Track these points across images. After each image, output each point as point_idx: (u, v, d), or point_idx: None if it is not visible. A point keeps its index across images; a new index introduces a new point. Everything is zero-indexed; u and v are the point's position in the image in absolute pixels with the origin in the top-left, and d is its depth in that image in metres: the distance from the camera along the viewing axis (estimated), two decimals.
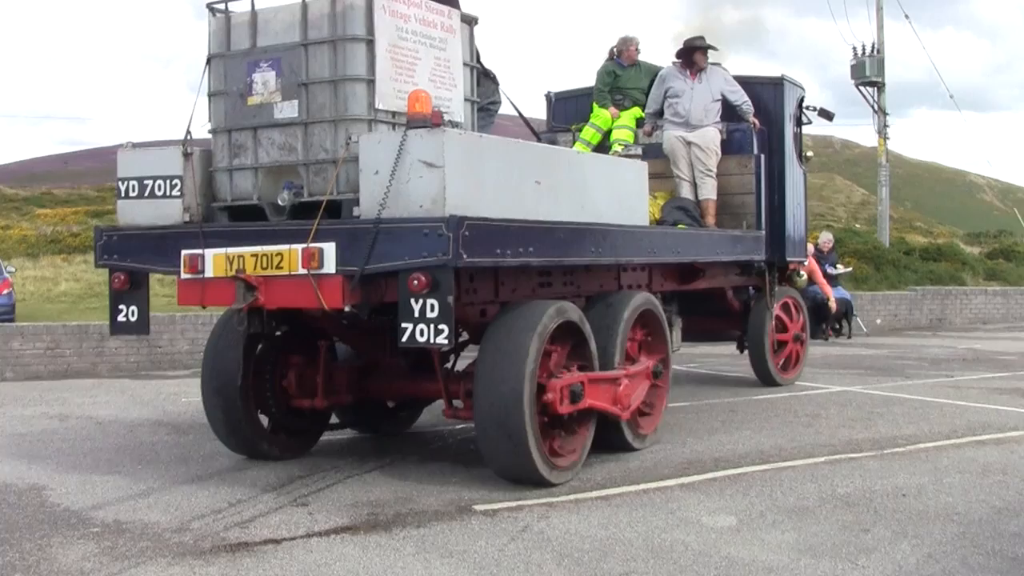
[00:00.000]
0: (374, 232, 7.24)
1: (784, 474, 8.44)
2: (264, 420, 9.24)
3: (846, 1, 33.61)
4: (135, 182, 8.45)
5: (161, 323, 16.68)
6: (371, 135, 7.51)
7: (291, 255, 7.55)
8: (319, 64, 7.78)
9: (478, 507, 7.47)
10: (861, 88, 33.09)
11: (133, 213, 8.48)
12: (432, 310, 7.15)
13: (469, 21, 8.70)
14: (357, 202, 7.49)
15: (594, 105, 12.96)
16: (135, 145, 8.67)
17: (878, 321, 24.18)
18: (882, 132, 32.12)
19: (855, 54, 32.98)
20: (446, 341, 7.13)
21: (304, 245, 7.46)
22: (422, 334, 7.19)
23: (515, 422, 7.69)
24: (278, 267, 7.63)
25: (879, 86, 32.90)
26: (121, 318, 8.56)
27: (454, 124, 8.18)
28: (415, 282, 7.10)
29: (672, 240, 10.28)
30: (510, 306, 8.19)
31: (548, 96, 14.09)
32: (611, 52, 13.17)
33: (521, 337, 7.79)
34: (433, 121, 7.19)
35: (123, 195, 8.51)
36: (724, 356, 17.23)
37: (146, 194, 8.40)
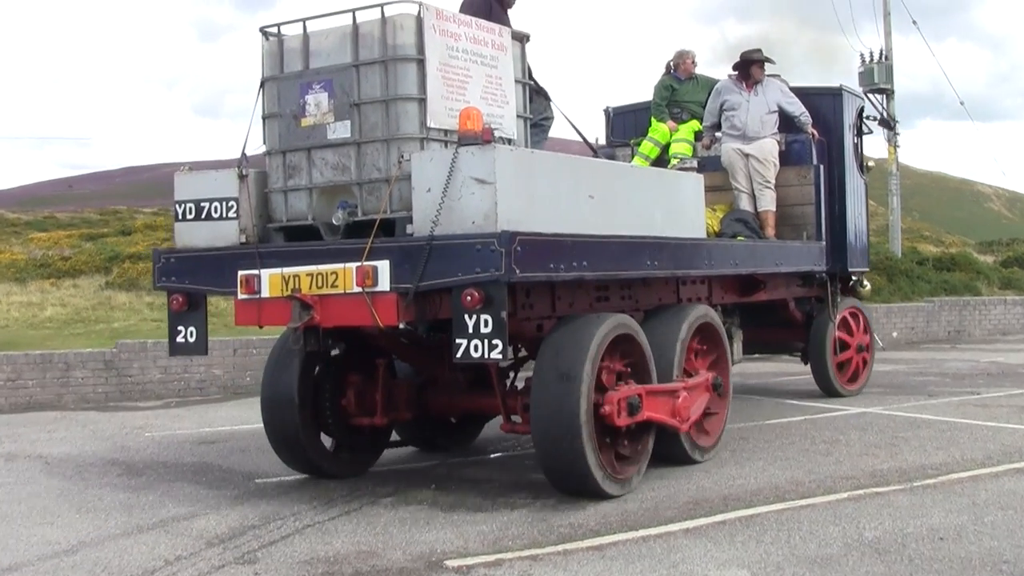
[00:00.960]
0: (427, 249, 7.28)
1: (803, 514, 7.47)
2: (325, 439, 9.30)
3: (853, 11, 32.81)
4: (192, 204, 8.56)
5: (131, 350, 15.84)
6: (423, 153, 7.56)
7: (346, 274, 7.61)
8: (370, 84, 7.84)
9: (450, 562, 6.58)
10: (870, 95, 31.68)
11: (190, 235, 8.58)
12: (486, 325, 7.17)
13: (520, 38, 8.74)
14: (410, 220, 7.54)
15: (652, 119, 12.96)
16: (191, 168, 8.77)
17: (894, 335, 23.15)
18: (892, 140, 31.16)
19: (863, 61, 31.91)
20: (500, 356, 7.15)
21: (358, 263, 7.52)
22: (476, 349, 7.22)
23: (572, 436, 7.69)
24: (333, 286, 7.69)
25: (888, 93, 31.90)
26: (180, 339, 8.67)
27: (506, 141, 8.24)
28: (468, 298, 7.14)
29: (730, 252, 10.25)
30: (565, 320, 8.21)
31: (607, 111, 14.11)
32: (668, 66, 13.18)
33: (576, 351, 7.80)
34: (484, 138, 7.23)
35: (180, 217, 8.63)
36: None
37: (203, 216, 8.50)
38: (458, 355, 7.29)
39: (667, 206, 9.09)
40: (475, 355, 7.22)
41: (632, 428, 8.38)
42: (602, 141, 13.74)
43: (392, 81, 7.77)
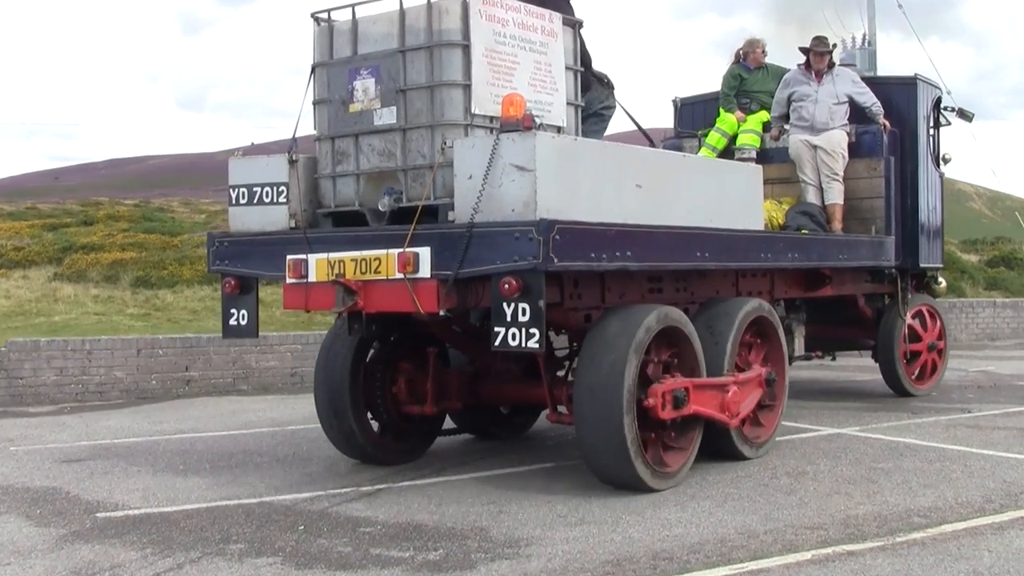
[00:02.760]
0: (467, 236, 7.26)
1: None
2: (376, 426, 9.36)
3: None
4: (244, 189, 8.64)
5: (22, 350, 14.23)
6: (465, 140, 7.53)
7: (388, 260, 7.61)
8: (416, 70, 7.84)
9: None
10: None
11: (243, 219, 8.67)
12: (524, 314, 7.13)
13: (573, 24, 8.66)
14: (452, 207, 7.51)
15: (720, 110, 12.79)
16: (245, 153, 8.84)
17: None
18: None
19: (844, 47, 30.78)
20: (537, 345, 7.10)
21: (400, 250, 7.51)
22: (514, 338, 7.18)
23: (614, 428, 7.64)
24: (376, 272, 7.70)
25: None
26: (232, 322, 8.76)
27: (555, 129, 8.19)
28: (506, 286, 7.10)
29: (789, 245, 10.05)
30: (610, 311, 8.14)
31: (675, 102, 13.95)
32: (737, 55, 13.00)
33: (619, 342, 7.73)
34: (524, 125, 7.18)
35: (234, 202, 8.72)
36: None
37: (255, 201, 8.57)
38: (496, 343, 7.27)
39: (721, 197, 8.96)
40: (512, 344, 7.19)
41: (678, 421, 8.29)
42: (671, 132, 13.61)
43: (437, 67, 7.75)
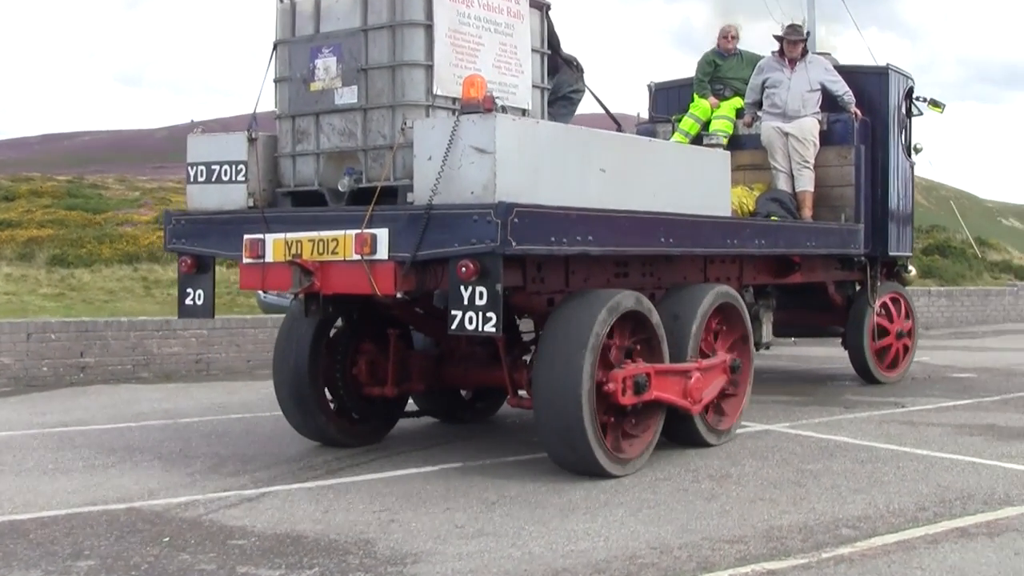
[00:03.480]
0: (425, 218, 7.17)
1: None
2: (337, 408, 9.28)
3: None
4: (203, 167, 8.53)
5: None
6: (425, 121, 7.44)
7: (346, 241, 7.52)
8: (378, 49, 7.74)
9: None
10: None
11: (201, 198, 8.56)
12: (481, 298, 7.04)
13: (541, 7, 8.57)
14: (412, 188, 7.42)
15: (694, 95, 12.73)
16: (203, 130, 8.73)
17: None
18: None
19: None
20: (494, 330, 7.02)
21: (358, 231, 7.42)
22: (471, 322, 7.10)
23: (573, 413, 7.56)
24: (333, 252, 7.61)
25: None
26: (188, 301, 8.66)
27: (520, 111, 8.10)
28: (463, 269, 7.02)
29: (756, 232, 9.99)
30: (571, 296, 8.06)
31: (649, 86, 13.89)
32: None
33: (580, 328, 7.65)
34: (485, 106, 7.08)
35: (192, 180, 8.61)
36: None
37: (213, 179, 8.46)
38: (453, 327, 7.18)
39: (688, 182, 8.89)
40: (469, 327, 7.11)
41: (639, 407, 8.23)
42: (645, 116, 13.54)
43: (399, 47, 7.67)
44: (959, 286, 26.64)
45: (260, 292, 17.77)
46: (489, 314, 7.02)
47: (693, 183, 8.96)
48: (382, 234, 7.37)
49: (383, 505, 7.12)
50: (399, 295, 7.49)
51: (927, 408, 11.36)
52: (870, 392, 12.62)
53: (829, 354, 16.24)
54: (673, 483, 7.75)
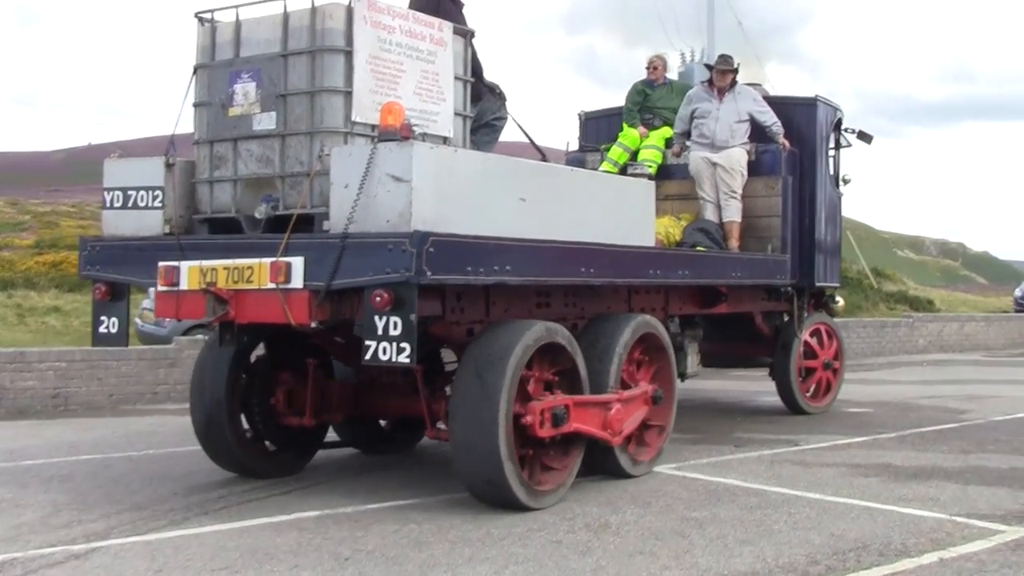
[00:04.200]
0: (340, 247, 7.08)
1: None
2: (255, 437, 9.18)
3: (677, 16, 30.56)
4: (119, 192, 8.41)
5: None
6: (342, 148, 7.36)
7: (260, 269, 7.41)
8: (298, 75, 7.67)
9: None
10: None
11: (117, 224, 8.43)
12: (395, 328, 6.96)
13: (464, 34, 8.53)
14: (329, 216, 7.34)
15: (624, 124, 12.73)
16: (121, 154, 8.62)
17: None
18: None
19: (683, 60, 29.92)
20: (408, 360, 6.93)
21: (272, 259, 7.32)
22: (385, 352, 7.00)
23: (489, 445, 7.49)
24: (248, 281, 7.50)
25: None
26: (102, 329, 8.52)
27: (442, 139, 8.05)
28: (377, 299, 6.94)
29: (680, 262, 9.97)
30: (490, 326, 8.00)
31: (580, 115, 13.87)
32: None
33: (497, 359, 7.59)
34: (402, 134, 7.02)
35: (108, 205, 8.48)
36: None
37: (129, 204, 8.34)
38: (367, 357, 7.09)
39: (611, 212, 8.86)
40: (383, 358, 7.01)
41: (558, 439, 8.17)
42: (575, 145, 13.53)
43: (318, 72, 7.60)
44: (855, 317, 26.68)
45: (137, 320, 17.39)
46: (403, 344, 6.94)
47: (616, 213, 8.93)
48: (297, 263, 7.27)
49: (224, 562, 6.47)
50: (314, 325, 7.39)
51: (821, 446, 10.87)
52: (762, 428, 12.10)
53: (723, 387, 15.98)
54: (547, 534, 7.12)
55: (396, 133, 7.04)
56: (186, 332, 16.31)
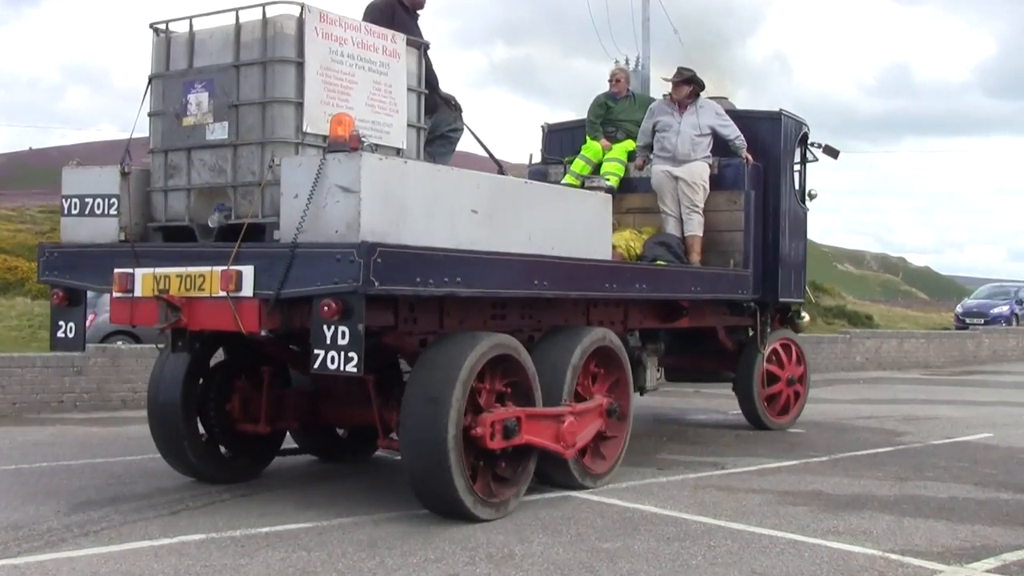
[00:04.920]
0: (290, 257, 7.13)
1: None
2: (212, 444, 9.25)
3: (612, 28, 30.38)
4: (77, 200, 8.50)
5: None
6: (293, 159, 7.41)
7: (212, 277, 7.48)
8: (250, 86, 7.72)
9: None
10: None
11: (74, 230, 8.53)
12: (343, 337, 7.01)
13: (419, 46, 8.59)
14: (279, 226, 7.39)
15: (587, 137, 12.78)
16: (79, 163, 8.69)
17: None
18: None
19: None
20: (355, 369, 6.98)
21: (224, 267, 7.37)
22: (333, 361, 7.06)
23: (439, 456, 7.54)
24: (200, 289, 7.57)
25: None
26: (60, 334, 8.63)
27: (396, 150, 8.11)
28: (326, 308, 6.99)
29: (637, 275, 10.01)
30: (441, 337, 8.06)
31: (543, 127, 13.92)
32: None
33: (447, 370, 7.64)
34: (351, 145, 7.07)
35: (66, 212, 8.57)
36: None
37: (86, 212, 8.42)
38: (315, 366, 7.14)
39: (567, 225, 8.90)
40: (331, 367, 7.07)
41: (510, 451, 8.21)
42: (538, 158, 13.58)
43: (269, 83, 7.65)
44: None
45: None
46: (351, 354, 6.99)
47: (571, 225, 8.97)
48: (247, 271, 7.33)
49: None
50: (263, 333, 7.44)
51: (748, 470, 10.27)
52: (688, 450, 11.53)
53: (649, 402, 14.70)
54: (444, 565, 6.62)
55: (345, 144, 7.10)
56: (104, 339, 16.34)
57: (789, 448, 11.84)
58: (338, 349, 7.03)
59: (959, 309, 40.05)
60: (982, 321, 36.02)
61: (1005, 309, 37.59)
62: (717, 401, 16.37)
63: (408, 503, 8.07)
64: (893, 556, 6.96)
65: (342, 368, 7.03)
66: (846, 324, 33.24)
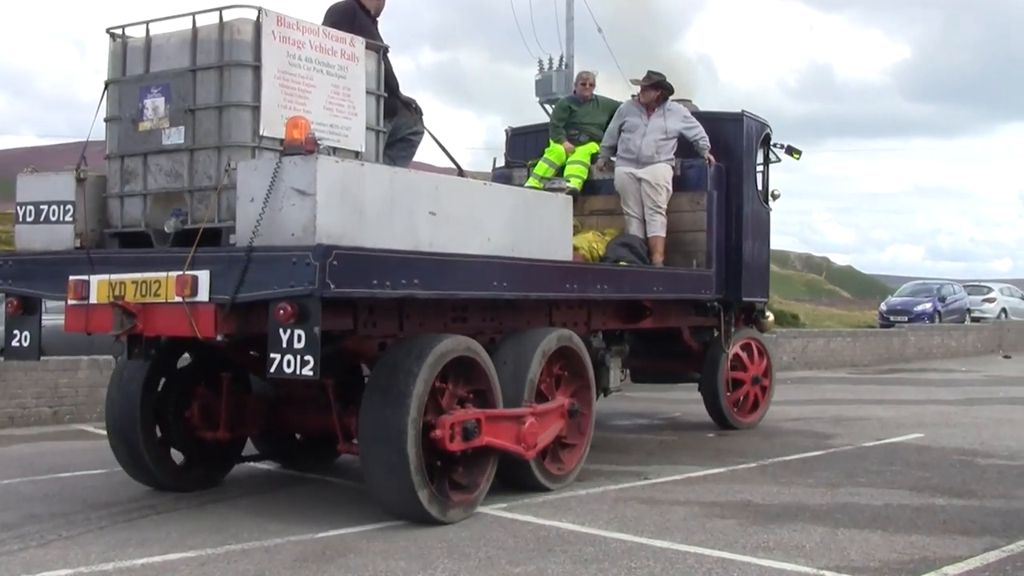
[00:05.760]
0: (245, 260, 7.10)
1: None
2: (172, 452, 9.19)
3: (536, 28, 30.50)
4: (32, 207, 8.44)
5: None
6: (249, 162, 7.38)
7: (167, 282, 7.41)
8: (206, 90, 7.68)
9: None
10: (546, 107, 28.11)
11: (30, 238, 8.46)
12: (299, 341, 6.97)
13: (378, 49, 8.58)
14: (236, 230, 7.36)
15: (550, 140, 12.80)
16: (34, 169, 8.63)
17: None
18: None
19: (541, 68, 29.26)
20: (311, 373, 6.95)
21: (179, 272, 7.33)
22: (289, 365, 7.02)
23: (398, 459, 7.53)
24: (155, 294, 7.51)
25: None
26: (15, 343, 8.55)
27: (355, 154, 8.09)
28: (281, 311, 6.95)
29: (598, 276, 10.02)
30: (399, 341, 8.05)
31: (507, 131, 13.93)
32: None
33: (405, 373, 7.63)
34: (306, 148, 7.05)
35: (21, 220, 8.52)
36: None
37: (41, 219, 8.36)
38: (271, 370, 7.10)
39: (527, 227, 8.90)
40: (288, 371, 7.03)
41: (470, 453, 8.20)
42: (502, 161, 13.59)
43: (226, 87, 7.62)
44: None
45: None
46: (307, 357, 6.95)
47: (532, 227, 8.96)
48: (203, 276, 7.27)
49: None
50: (219, 338, 7.38)
51: (673, 479, 9.72)
52: (610, 459, 10.78)
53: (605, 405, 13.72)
54: None
55: (300, 147, 7.08)
56: None
57: (716, 455, 11.28)
58: (294, 353, 6.99)
59: (883, 307, 40.30)
60: (906, 319, 36.24)
61: (928, 306, 37.85)
62: (644, 405, 16.08)
63: (321, 523, 7.74)
64: (828, 574, 6.59)
65: (298, 372, 6.99)
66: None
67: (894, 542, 7.38)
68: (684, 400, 15.88)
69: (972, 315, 39.12)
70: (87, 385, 14.04)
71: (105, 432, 9.17)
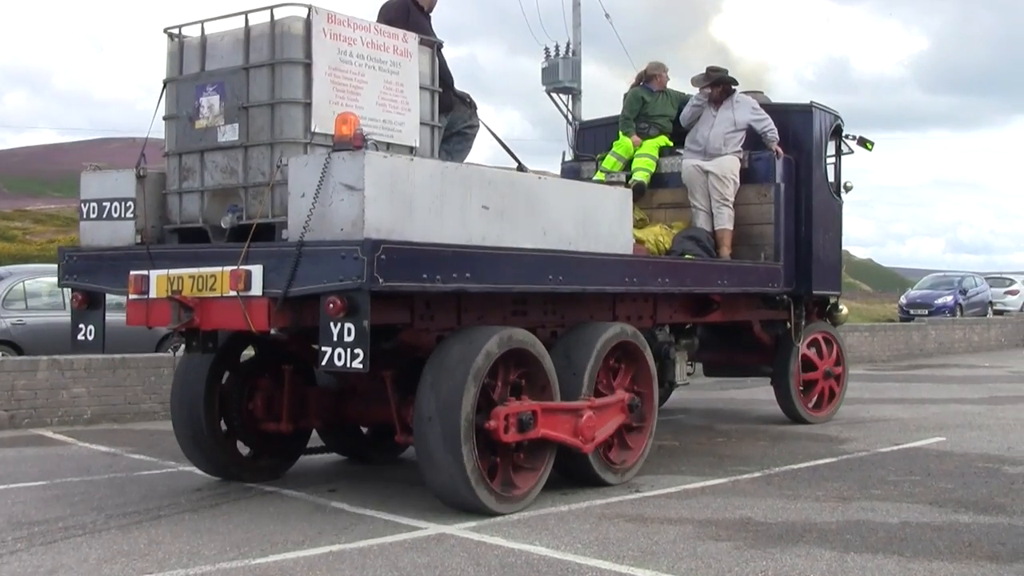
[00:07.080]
0: (296, 255, 7.19)
1: None
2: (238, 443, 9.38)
3: (542, 15, 30.11)
4: (95, 204, 8.62)
5: None
6: (299, 158, 7.46)
7: (223, 277, 7.55)
8: (259, 87, 7.79)
9: None
10: (553, 96, 28.49)
11: (93, 234, 8.65)
12: (349, 334, 7.05)
13: (431, 45, 8.63)
14: (288, 225, 7.45)
15: (619, 132, 12.74)
16: (97, 167, 8.80)
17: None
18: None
19: (547, 55, 28.79)
20: (361, 366, 7.02)
21: (234, 267, 7.44)
22: (339, 358, 7.10)
23: (453, 453, 7.58)
24: (212, 289, 7.64)
25: (574, 93, 28.50)
26: (80, 336, 8.74)
27: (409, 149, 8.15)
28: (331, 305, 7.03)
29: (659, 270, 9.96)
30: (454, 333, 8.08)
31: (575, 125, 13.92)
32: (639, 77, 12.97)
33: (458, 366, 7.67)
34: (354, 143, 7.12)
35: (85, 216, 8.69)
36: None
37: (104, 216, 8.54)
38: (322, 363, 7.19)
39: (585, 220, 8.89)
40: (338, 364, 7.11)
41: (526, 445, 8.21)
42: (571, 155, 13.59)
43: (278, 85, 7.72)
44: None
45: None
46: (357, 350, 7.02)
47: (590, 220, 8.95)
48: (257, 271, 7.39)
49: None
50: (273, 331, 7.49)
51: (667, 492, 8.83)
52: None
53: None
54: None
55: (349, 143, 7.14)
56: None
57: (717, 462, 10.30)
58: (344, 346, 7.07)
59: (903, 300, 39.45)
60: (926, 312, 35.26)
61: (949, 299, 36.83)
62: None
63: (262, 545, 7.01)
64: None
65: (348, 365, 7.07)
66: None
67: (912, 571, 6.40)
68: (686, 400, 15.33)
69: (995, 308, 38.22)
70: (47, 387, 12.96)
71: (63, 438, 9.16)
